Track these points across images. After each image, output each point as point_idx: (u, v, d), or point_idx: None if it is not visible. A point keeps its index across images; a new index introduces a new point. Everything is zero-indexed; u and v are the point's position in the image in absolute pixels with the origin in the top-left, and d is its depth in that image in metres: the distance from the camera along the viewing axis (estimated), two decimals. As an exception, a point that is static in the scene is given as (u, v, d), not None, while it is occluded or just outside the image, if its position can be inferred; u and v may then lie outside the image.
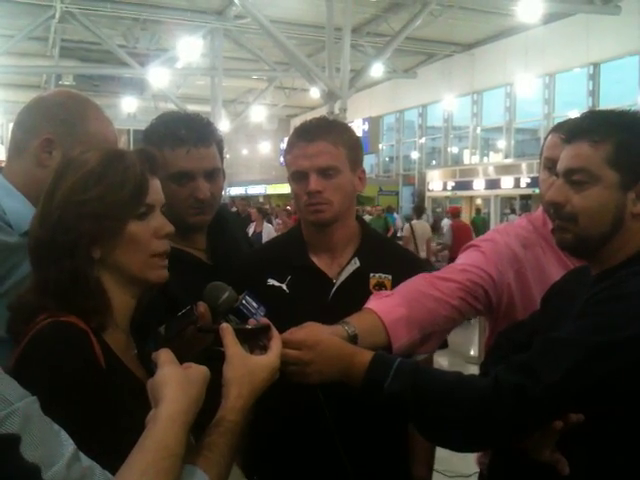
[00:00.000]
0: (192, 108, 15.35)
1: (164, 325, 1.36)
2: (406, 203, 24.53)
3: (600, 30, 16.16)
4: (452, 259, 2.75)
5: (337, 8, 14.41)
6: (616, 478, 1.21)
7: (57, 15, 17.10)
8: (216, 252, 1.84)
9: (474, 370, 1.61)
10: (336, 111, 14.60)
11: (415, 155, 25.35)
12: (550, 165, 1.68)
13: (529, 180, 17.91)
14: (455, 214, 11.58)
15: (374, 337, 1.45)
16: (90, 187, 1.12)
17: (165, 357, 1.03)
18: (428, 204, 22.20)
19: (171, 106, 20.79)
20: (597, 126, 1.27)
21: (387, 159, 28.24)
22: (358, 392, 1.29)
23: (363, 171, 1.78)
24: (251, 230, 9.95)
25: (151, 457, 0.88)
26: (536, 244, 1.73)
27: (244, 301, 1.31)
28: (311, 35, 18.52)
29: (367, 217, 14.09)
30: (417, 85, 23.29)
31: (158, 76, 20.27)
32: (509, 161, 20.23)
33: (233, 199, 20.33)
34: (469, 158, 22.87)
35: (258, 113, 26.14)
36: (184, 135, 1.69)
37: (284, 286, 1.70)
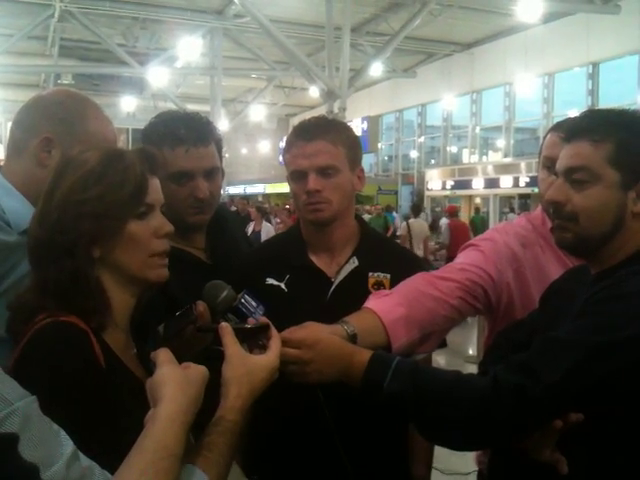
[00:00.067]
0: (191, 107, 15.39)
1: (163, 324, 1.36)
2: (405, 202, 24.47)
3: (600, 29, 16.17)
4: (450, 258, 2.75)
5: (337, 7, 14.43)
6: (616, 478, 1.21)
7: (56, 14, 17.09)
8: (215, 251, 1.84)
9: (473, 369, 1.61)
10: (335, 110, 14.60)
11: (414, 154, 25.33)
12: (549, 164, 1.68)
13: (528, 179, 17.93)
14: (452, 213, 11.60)
15: (373, 336, 1.45)
16: (90, 186, 1.11)
17: (164, 357, 1.03)
18: (427, 203, 22.21)
19: (170, 105, 20.74)
20: (597, 125, 1.27)
21: (386, 158, 28.24)
22: (358, 392, 1.28)
23: (362, 170, 1.78)
24: (250, 229, 9.94)
25: (150, 457, 0.88)
26: (535, 243, 1.73)
27: (243, 300, 1.31)
28: (310, 34, 18.51)
29: (366, 216, 14.08)
30: (416, 84, 23.29)
31: (157, 75, 20.27)
32: (508, 160, 20.24)
33: (232, 198, 20.31)
34: (468, 157, 22.88)
35: (257, 112, 26.16)
36: (183, 134, 1.69)
37: (283, 285, 1.69)
